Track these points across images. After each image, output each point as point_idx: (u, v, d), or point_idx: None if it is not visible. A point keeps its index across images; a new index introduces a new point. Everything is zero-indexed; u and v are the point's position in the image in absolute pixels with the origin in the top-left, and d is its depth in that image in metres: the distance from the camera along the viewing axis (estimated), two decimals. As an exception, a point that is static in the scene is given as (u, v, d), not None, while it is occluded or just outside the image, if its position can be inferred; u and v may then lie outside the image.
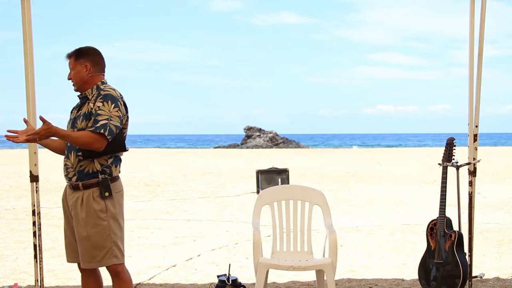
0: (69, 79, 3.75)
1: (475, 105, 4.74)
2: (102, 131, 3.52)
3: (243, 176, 18.52)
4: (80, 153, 3.63)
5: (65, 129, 3.69)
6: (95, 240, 3.64)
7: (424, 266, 4.68)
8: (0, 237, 8.64)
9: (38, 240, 4.63)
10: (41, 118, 3.44)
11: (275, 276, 5.67)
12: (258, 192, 13.79)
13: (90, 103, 3.64)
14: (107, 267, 3.72)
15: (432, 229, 4.65)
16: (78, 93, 3.76)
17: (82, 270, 3.87)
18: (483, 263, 6.48)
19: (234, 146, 51.13)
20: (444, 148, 4.76)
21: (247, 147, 48.39)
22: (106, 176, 3.65)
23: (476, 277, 4.80)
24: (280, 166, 15.50)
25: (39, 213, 4.64)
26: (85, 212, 3.64)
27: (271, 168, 14.48)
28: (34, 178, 4.61)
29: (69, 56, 3.75)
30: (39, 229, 4.65)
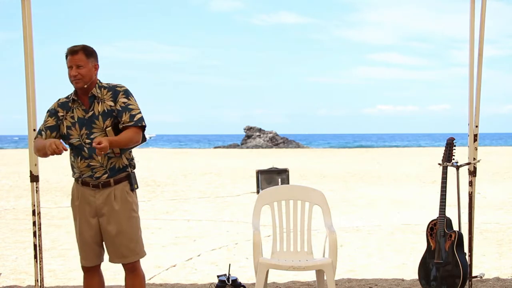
0: (76, 75, 3.61)
1: (475, 105, 4.73)
2: (143, 123, 3.64)
3: (243, 176, 18.52)
4: (109, 151, 3.64)
5: (65, 130, 3.70)
6: (131, 233, 3.71)
7: (424, 266, 4.68)
8: (0, 237, 8.64)
9: (38, 240, 4.63)
10: (96, 143, 3.42)
11: (275, 276, 5.67)
12: (258, 192, 13.79)
13: (105, 102, 3.65)
14: (127, 263, 3.76)
15: (432, 229, 4.65)
16: (70, 92, 3.72)
17: (88, 270, 3.82)
18: (483, 263, 6.48)
19: (234, 146, 51.14)
20: (444, 148, 4.76)
21: (247, 147, 48.40)
22: (132, 169, 3.77)
23: (476, 277, 4.80)
24: (280, 166, 15.49)
25: (39, 213, 4.64)
26: (120, 207, 3.69)
27: (271, 168, 14.48)
28: (34, 178, 4.61)
29: (76, 51, 3.62)
30: (39, 229, 4.65)
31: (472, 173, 4.78)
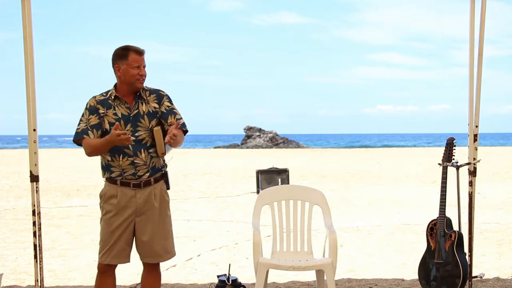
0: (144, 74, 3.73)
1: (475, 105, 4.74)
2: (187, 128, 3.82)
3: (243, 176, 18.52)
4: (152, 150, 3.73)
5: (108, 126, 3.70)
6: (166, 233, 3.81)
7: (424, 266, 4.68)
8: (0, 237, 8.64)
9: (38, 240, 4.63)
10: (172, 134, 3.53)
11: (275, 276, 5.67)
12: (258, 192, 13.79)
13: (150, 103, 3.76)
14: (154, 263, 3.82)
15: (432, 229, 4.65)
16: (114, 94, 3.73)
17: (106, 269, 3.80)
18: (483, 263, 6.48)
19: (234, 146, 51.15)
20: (444, 148, 4.76)
21: (247, 147, 48.40)
22: (166, 169, 3.87)
23: (476, 277, 4.80)
24: (280, 166, 15.49)
25: (39, 213, 4.64)
26: (159, 205, 3.77)
27: (271, 168, 14.47)
28: (34, 178, 4.60)
29: (143, 52, 3.74)
30: (39, 229, 4.64)
31: (472, 173, 4.78)
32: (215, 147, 55.34)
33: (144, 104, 3.75)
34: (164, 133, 3.72)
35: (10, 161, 27.62)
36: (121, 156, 3.69)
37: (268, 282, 4.95)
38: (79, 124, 3.74)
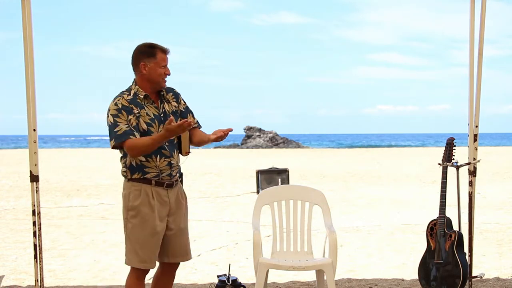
0: (169, 74, 3.72)
1: (475, 105, 4.74)
2: (201, 125, 3.92)
3: (243, 176, 18.52)
4: (178, 150, 3.79)
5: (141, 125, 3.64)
6: (188, 231, 3.92)
7: (424, 266, 4.68)
8: (0, 237, 8.64)
9: (38, 240, 4.63)
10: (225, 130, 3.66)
11: (275, 276, 5.67)
12: (258, 192, 13.79)
13: (170, 102, 3.77)
14: (178, 262, 3.88)
15: (432, 229, 4.65)
16: (143, 93, 3.68)
17: (144, 273, 3.72)
18: (483, 263, 6.48)
19: (234, 146, 51.12)
20: (444, 148, 4.76)
21: (247, 147, 48.39)
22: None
23: (476, 277, 4.80)
24: (280, 166, 15.49)
25: (39, 213, 4.64)
26: (184, 205, 3.85)
27: (271, 168, 14.47)
28: (34, 178, 4.60)
29: (168, 52, 3.72)
30: (39, 229, 4.65)
31: (472, 173, 4.78)
32: (215, 147, 55.34)
33: (166, 103, 3.75)
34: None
35: (10, 161, 27.62)
36: (158, 157, 3.62)
37: (268, 282, 4.95)
38: (117, 126, 3.55)
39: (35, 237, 4.63)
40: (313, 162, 26.65)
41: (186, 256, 3.87)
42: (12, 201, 13.08)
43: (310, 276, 5.54)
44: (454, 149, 4.73)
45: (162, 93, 3.75)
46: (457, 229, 4.64)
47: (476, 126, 4.76)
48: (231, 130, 3.71)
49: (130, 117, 3.57)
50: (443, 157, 4.72)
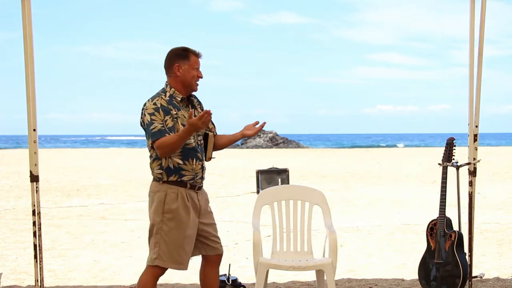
0: (202, 77, 3.78)
1: (475, 105, 4.74)
2: None
3: (243, 176, 18.52)
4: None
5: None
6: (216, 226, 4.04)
7: (424, 266, 4.68)
8: (0, 237, 8.64)
9: (38, 240, 4.63)
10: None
11: (275, 276, 5.67)
12: (258, 192, 13.79)
13: (196, 107, 3.84)
14: (218, 254, 3.98)
15: (432, 229, 4.65)
16: (180, 96, 3.73)
17: (161, 273, 3.81)
18: (483, 263, 6.48)
19: (234, 146, 51.12)
20: (444, 148, 4.76)
21: (247, 147, 48.38)
22: None
23: (476, 277, 4.80)
24: (280, 166, 15.49)
25: (39, 213, 4.64)
26: (208, 204, 3.97)
27: (271, 168, 14.47)
28: (34, 178, 4.60)
29: (201, 56, 3.78)
30: (39, 229, 4.65)
31: (472, 173, 4.78)
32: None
33: (195, 108, 3.81)
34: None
35: (10, 161, 27.63)
36: (194, 160, 3.71)
37: (268, 282, 4.95)
38: (152, 124, 3.57)
39: (35, 237, 4.63)
40: (313, 162, 26.66)
41: (221, 248, 3.99)
42: (12, 201, 13.08)
43: (310, 276, 5.54)
44: (454, 149, 4.73)
45: (192, 98, 3.83)
46: (457, 229, 4.64)
47: (476, 126, 4.76)
48: (264, 124, 3.89)
49: (166, 117, 3.61)
50: (443, 157, 4.72)
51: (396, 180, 17.61)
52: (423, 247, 4.74)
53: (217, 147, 4.00)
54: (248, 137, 3.89)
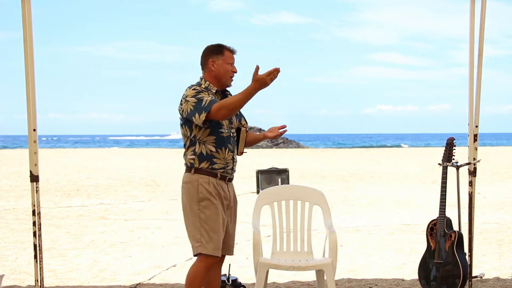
0: (236, 72, 3.83)
1: (475, 105, 4.74)
2: None
3: (243, 176, 18.52)
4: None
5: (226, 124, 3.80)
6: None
7: (424, 266, 4.68)
8: (0, 237, 8.63)
9: (38, 240, 4.63)
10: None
11: (275, 276, 5.67)
12: (258, 192, 13.79)
13: None
14: (228, 255, 3.96)
15: (432, 229, 4.65)
16: (215, 89, 3.79)
17: (214, 261, 3.82)
18: (483, 263, 6.47)
19: (234, 146, 51.14)
20: (444, 148, 4.76)
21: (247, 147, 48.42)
22: None
23: (476, 277, 4.80)
24: (280, 166, 15.49)
25: (39, 213, 4.64)
26: (236, 199, 3.97)
27: (271, 168, 14.47)
28: (34, 178, 4.60)
29: (235, 52, 3.84)
30: (39, 229, 4.65)
31: (472, 173, 4.78)
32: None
33: None
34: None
35: (10, 161, 27.62)
36: (226, 150, 3.76)
37: (268, 282, 4.95)
38: (202, 100, 3.62)
39: (35, 237, 4.63)
40: (313, 162, 26.65)
41: (232, 250, 3.96)
42: (12, 201, 13.08)
43: (310, 276, 5.54)
44: (454, 149, 4.73)
45: (227, 93, 3.86)
46: (457, 229, 4.64)
47: (476, 126, 4.76)
48: (285, 127, 3.98)
49: (210, 94, 3.70)
50: (443, 157, 4.72)
51: (396, 180, 17.61)
52: (423, 247, 4.74)
53: (246, 144, 4.06)
54: (269, 139, 3.88)
